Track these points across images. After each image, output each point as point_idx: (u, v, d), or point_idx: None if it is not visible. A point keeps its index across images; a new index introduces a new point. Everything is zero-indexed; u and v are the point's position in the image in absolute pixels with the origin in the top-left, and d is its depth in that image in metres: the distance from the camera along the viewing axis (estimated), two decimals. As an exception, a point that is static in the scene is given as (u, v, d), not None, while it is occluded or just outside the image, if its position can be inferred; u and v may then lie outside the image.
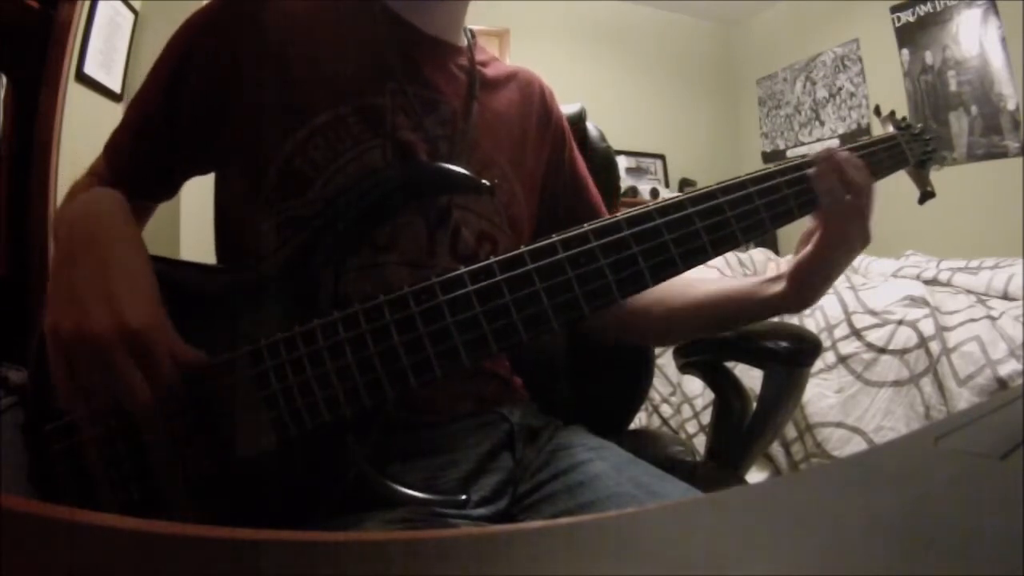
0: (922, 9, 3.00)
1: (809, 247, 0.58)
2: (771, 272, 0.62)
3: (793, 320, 1.79)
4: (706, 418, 1.80)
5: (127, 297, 0.44)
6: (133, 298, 0.45)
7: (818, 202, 0.57)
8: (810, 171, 0.55)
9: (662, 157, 3.89)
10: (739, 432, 0.78)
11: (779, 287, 0.60)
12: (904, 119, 0.75)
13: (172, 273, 0.52)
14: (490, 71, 0.69)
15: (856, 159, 0.57)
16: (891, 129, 0.72)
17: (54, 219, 0.59)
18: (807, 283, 0.58)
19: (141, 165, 0.61)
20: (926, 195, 0.74)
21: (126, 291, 0.45)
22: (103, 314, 0.43)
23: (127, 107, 0.63)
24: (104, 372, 0.43)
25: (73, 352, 0.43)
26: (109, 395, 0.43)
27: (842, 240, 0.56)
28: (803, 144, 3.75)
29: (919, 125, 0.74)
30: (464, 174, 0.54)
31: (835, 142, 3.42)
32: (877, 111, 0.80)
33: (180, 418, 0.47)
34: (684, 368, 0.84)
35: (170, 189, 0.65)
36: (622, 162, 3.52)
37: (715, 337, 0.78)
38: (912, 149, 0.70)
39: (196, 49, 0.57)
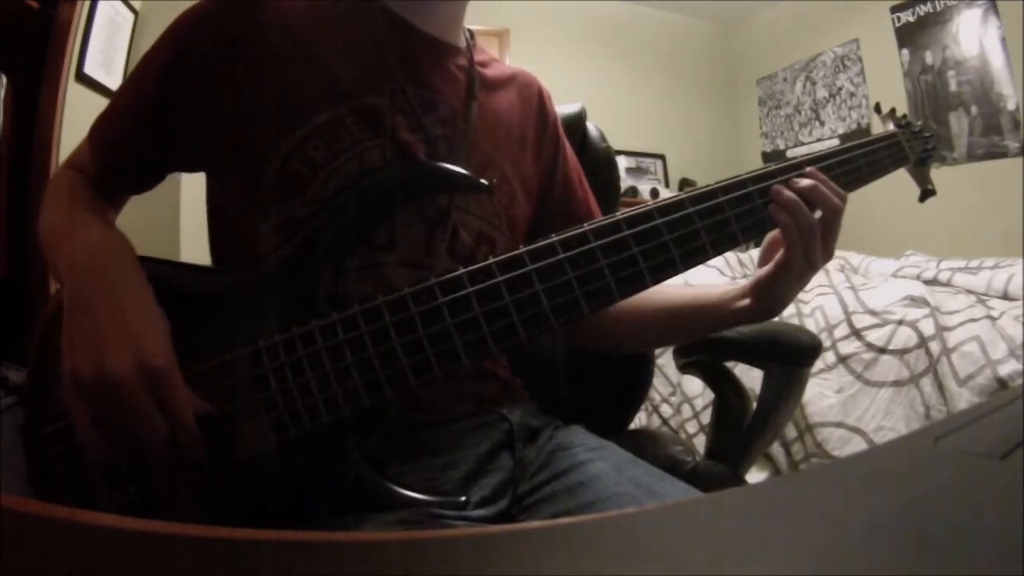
0: (922, 9, 3.00)
1: (770, 268, 0.57)
2: (740, 284, 0.62)
3: (793, 320, 1.79)
4: (706, 418, 1.80)
5: (145, 339, 0.45)
6: (151, 340, 0.45)
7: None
8: (770, 208, 0.54)
9: (662, 157, 3.89)
10: (739, 432, 0.78)
11: (745, 300, 0.60)
12: (904, 116, 0.75)
13: (170, 274, 0.52)
14: (490, 72, 0.69)
15: (819, 185, 0.55)
16: (891, 127, 0.72)
17: (41, 236, 0.57)
18: (773, 299, 0.58)
19: (132, 161, 0.61)
20: (926, 193, 0.74)
21: (144, 333, 0.45)
22: (123, 355, 0.43)
23: (116, 97, 0.63)
24: (125, 414, 0.43)
25: (94, 395, 0.43)
26: (126, 434, 0.43)
27: (806, 265, 0.55)
28: (803, 144, 3.75)
29: (919, 123, 0.74)
30: (464, 173, 0.54)
31: (835, 142, 3.42)
32: (877, 108, 0.80)
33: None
34: (684, 368, 0.84)
35: (153, 182, 0.64)
36: (622, 162, 3.51)
37: (714, 337, 0.78)
38: (912, 147, 0.70)
39: (191, 48, 0.57)
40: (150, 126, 0.59)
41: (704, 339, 0.80)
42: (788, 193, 0.54)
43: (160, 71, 0.58)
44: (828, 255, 0.56)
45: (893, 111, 0.76)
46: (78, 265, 0.49)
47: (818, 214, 0.55)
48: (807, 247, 0.54)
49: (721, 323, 0.64)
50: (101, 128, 0.62)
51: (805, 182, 0.55)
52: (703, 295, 0.64)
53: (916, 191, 0.75)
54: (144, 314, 0.47)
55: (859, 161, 0.62)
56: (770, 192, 0.54)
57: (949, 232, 2.78)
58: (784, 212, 0.53)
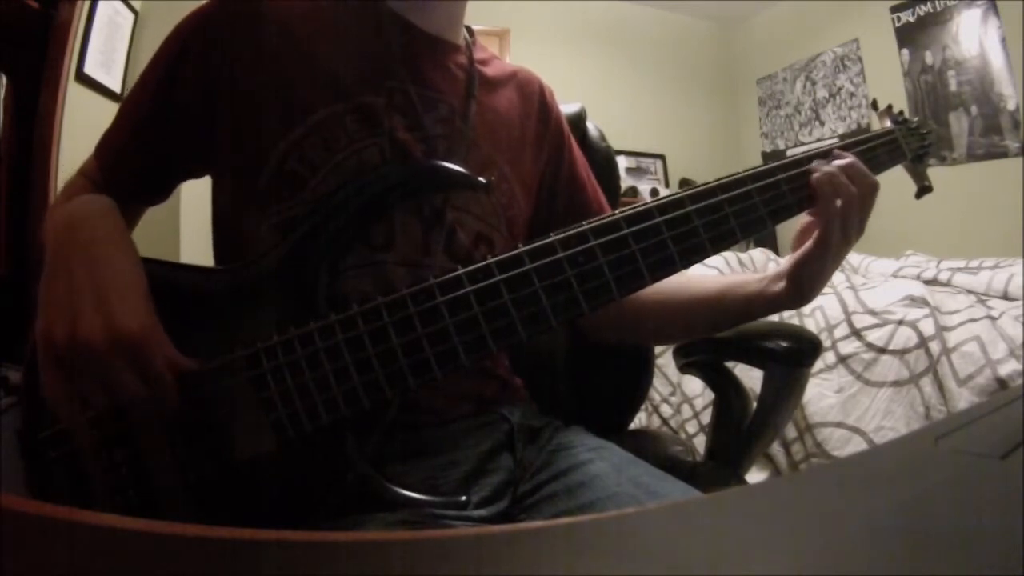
0: (922, 9, 3.00)
1: (808, 246, 0.58)
2: (771, 270, 0.63)
3: (793, 320, 1.79)
4: (706, 418, 1.80)
5: (119, 302, 0.44)
6: (125, 303, 0.45)
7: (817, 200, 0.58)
8: (812, 178, 0.56)
9: (662, 157, 3.89)
10: (739, 432, 0.78)
11: (779, 285, 0.60)
12: (901, 113, 0.75)
13: (169, 275, 0.52)
14: (490, 70, 0.69)
15: (857, 162, 0.58)
16: (888, 123, 0.72)
17: (45, 221, 0.58)
18: (808, 280, 0.58)
19: (134, 167, 0.61)
20: (923, 190, 0.74)
21: (118, 296, 0.45)
22: (95, 319, 0.43)
23: (120, 107, 0.63)
24: (98, 376, 0.43)
25: (66, 358, 0.43)
26: (102, 399, 0.43)
27: (842, 239, 0.57)
28: (803, 144, 3.75)
29: (915, 119, 0.74)
30: (461, 172, 0.54)
31: (835, 142, 3.42)
32: (874, 105, 0.80)
33: (179, 421, 0.47)
34: (684, 368, 0.84)
35: (163, 192, 0.64)
36: (622, 162, 3.51)
37: (714, 337, 0.78)
38: (909, 143, 0.70)
39: (190, 50, 0.57)
40: (151, 133, 0.59)
41: (704, 339, 0.80)
42: (828, 167, 0.56)
43: (160, 77, 0.58)
44: (860, 231, 0.58)
45: (890, 108, 0.76)
46: (59, 227, 0.50)
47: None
48: (845, 220, 0.56)
49: (754, 310, 0.63)
50: (107, 144, 0.62)
51: (845, 160, 0.57)
52: (735, 283, 0.64)
53: (914, 189, 0.75)
54: (121, 276, 0.47)
55: (857, 158, 0.62)
56: (811, 167, 0.57)
57: (949, 232, 2.78)
58: (826, 184, 0.55)
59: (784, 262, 0.60)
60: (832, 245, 0.56)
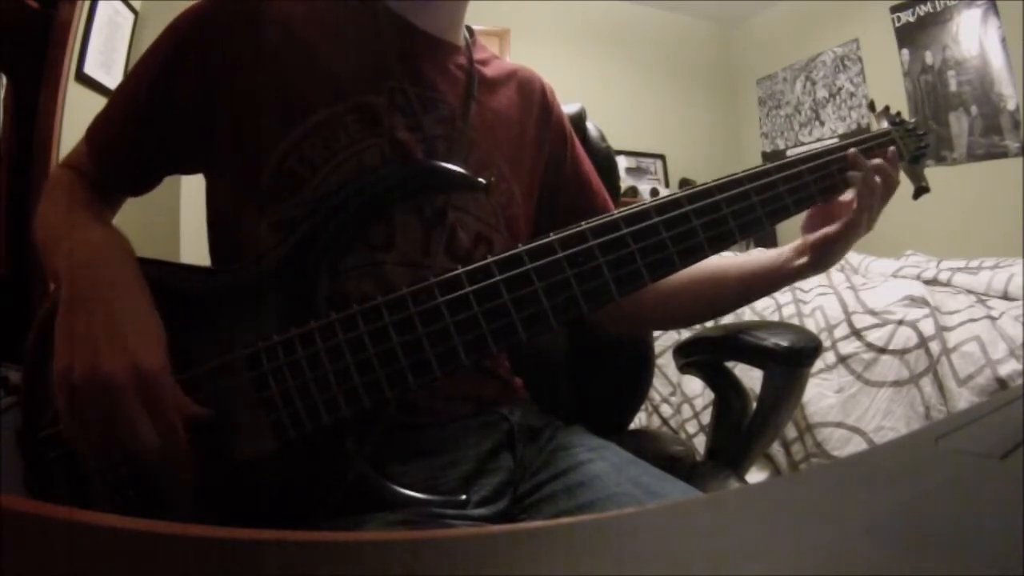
0: (922, 9, 3.00)
1: (836, 227, 0.63)
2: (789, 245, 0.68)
3: (793, 320, 1.79)
4: (706, 418, 1.80)
5: (139, 342, 0.45)
6: (144, 344, 0.45)
7: (818, 199, 0.61)
8: (849, 175, 0.62)
9: (662, 157, 3.89)
10: (739, 432, 0.78)
11: (802, 259, 0.64)
12: (898, 114, 0.75)
13: (169, 275, 0.52)
14: (489, 70, 0.69)
15: (887, 164, 0.64)
16: (885, 124, 0.72)
17: (39, 235, 0.57)
18: (832, 256, 0.64)
19: (128, 159, 0.61)
20: (920, 190, 0.74)
21: (137, 337, 0.45)
22: (116, 357, 0.43)
23: (113, 97, 0.62)
24: (113, 416, 0.43)
25: (84, 394, 0.43)
26: (116, 440, 0.43)
27: (867, 221, 0.63)
28: (803, 144, 3.75)
29: (912, 120, 0.75)
30: (460, 172, 0.54)
31: (835, 142, 3.41)
32: (871, 106, 0.80)
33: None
34: (684, 368, 0.84)
35: (153, 184, 0.64)
36: (622, 162, 3.51)
37: (714, 336, 0.78)
38: (906, 144, 0.71)
39: (188, 49, 0.57)
40: (146, 128, 0.59)
41: (704, 339, 0.80)
42: (868, 161, 0.63)
43: (157, 72, 0.58)
44: (873, 222, 0.64)
45: (887, 109, 0.76)
46: (77, 263, 0.49)
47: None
48: (872, 208, 0.63)
49: (777, 284, 0.68)
50: (98, 130, 0.62)
51: (877, 161, 0.64)
52: (756, 261, 0.68)
53: (913, 190, 0.75)
54: (140, 317, 0.47)
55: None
56: (848, 157, 0.63)
57: (949, 232, 2.78)
58: (862, 180, 0.62)
59: (808, 238, 0.65)
60: (860, 231, 0.63)
